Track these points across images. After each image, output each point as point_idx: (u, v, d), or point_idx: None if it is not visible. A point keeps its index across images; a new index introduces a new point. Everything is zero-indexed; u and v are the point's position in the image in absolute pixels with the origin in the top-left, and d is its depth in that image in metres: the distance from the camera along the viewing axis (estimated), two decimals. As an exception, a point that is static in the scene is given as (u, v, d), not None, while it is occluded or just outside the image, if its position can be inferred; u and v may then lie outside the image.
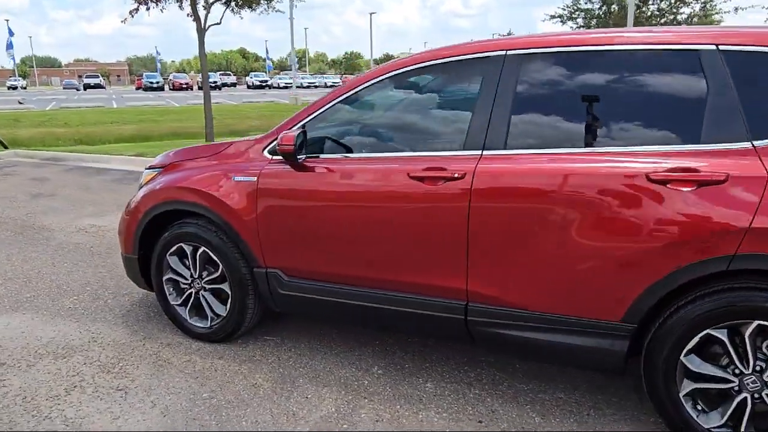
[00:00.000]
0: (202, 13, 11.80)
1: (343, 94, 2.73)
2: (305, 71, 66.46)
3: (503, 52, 2.43)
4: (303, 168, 2.73)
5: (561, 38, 2.38)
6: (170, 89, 50.12)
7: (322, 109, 2.77)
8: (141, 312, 3.68)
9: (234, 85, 56.54)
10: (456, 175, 2.38)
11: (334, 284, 2.77)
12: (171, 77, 54.30)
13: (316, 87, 54.25)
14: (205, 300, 3.18)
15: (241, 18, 13.66)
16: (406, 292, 2.60)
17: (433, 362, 2.98)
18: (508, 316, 2.39)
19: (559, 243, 2.22)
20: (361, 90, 2.70)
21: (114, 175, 8.80)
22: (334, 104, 2.75)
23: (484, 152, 2.39)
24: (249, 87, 54.50)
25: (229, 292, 3.06)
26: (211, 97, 12.57)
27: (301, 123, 2.82)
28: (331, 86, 56.89)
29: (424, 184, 2.45)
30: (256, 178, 2.85)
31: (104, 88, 57.14)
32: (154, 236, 3.27)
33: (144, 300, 3.87)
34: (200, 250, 3.09)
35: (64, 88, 56.49)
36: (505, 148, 2.37)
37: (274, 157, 2.86)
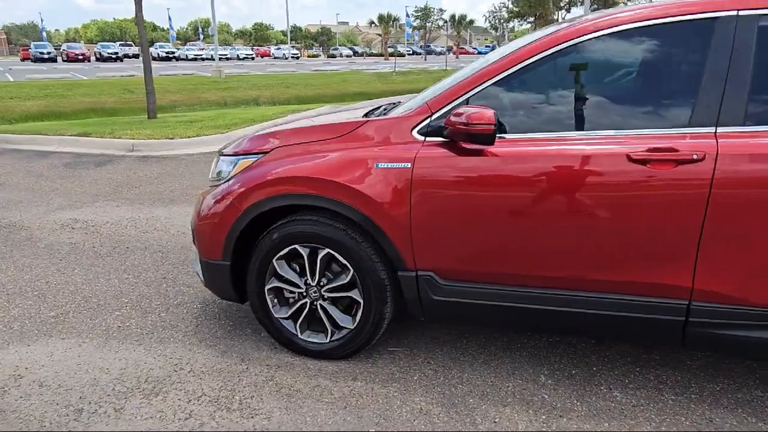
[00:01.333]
0: (140, -27, 10.55)
1: (523, 61, 2.28)
2: (210, 43, 62.79)
3: (734, 12, 2.09)
4: (475, 151, 2.28)
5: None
6: (64, 60, 45.62)
7: (495, 79, 2.31)
8: (214, 326, 3.06)
9: (137, 56, 52.30)
10: (694, 157, 2.04)
11: (507, 287, 2.36)
12: (64, 48, 49.35)
13: (228, 59, 51.57)
14: (324, 311, 2.65)
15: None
16: (606, 292, 2.25)
17: (599, 365, 2.66)
18: (749, 316, 2.11)
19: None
20: (547, 55, 2.26)
21: (62, 159, 7.64)
22: (511, 72, 2.29)
23: (719, 129, 2.06)
24: (154, 59, 50.74)
25: (361, 301, 2.56)
26: (151, 69, 11.35)
27: (466, 96, 2.34)
28: (243, 58, 54.28)
29: (649, 168, 2.09)
30: (410, 164, 2.35)
31: (-17, 59, 50.89)
32: (248, 238, 2.68)
33: (207, 310, 3.24)
34: (323, 253, 2.55)
35: (-67, 59, 49.68)
36: (744, 125, 2.05)
37: (429, 139, 2.37)
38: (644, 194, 2.11)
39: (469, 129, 2.15)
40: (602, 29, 2.23)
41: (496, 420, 2.29)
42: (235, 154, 2.73)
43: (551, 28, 2.41)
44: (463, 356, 2.75)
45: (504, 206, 2.25)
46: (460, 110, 2.21)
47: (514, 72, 2.29)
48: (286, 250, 2.60)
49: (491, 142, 2.16)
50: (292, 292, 2.70)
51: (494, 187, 2.26)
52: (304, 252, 2.58)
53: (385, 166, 2.38)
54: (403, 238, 2.41)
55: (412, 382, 2.55)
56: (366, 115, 2.88)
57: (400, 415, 2.32)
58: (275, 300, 2.73)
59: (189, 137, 8.46)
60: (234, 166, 2.70)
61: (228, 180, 2.69)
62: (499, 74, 2.31)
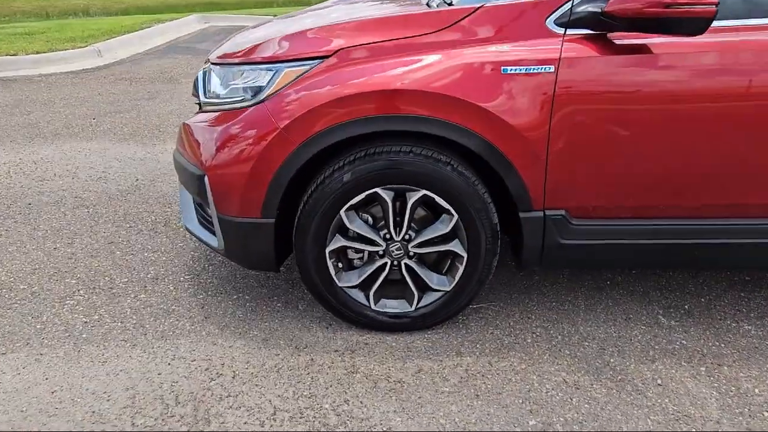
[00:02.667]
0: None
1: None
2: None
3: None
4: (638, 48, 1.70)
5: None
6: None
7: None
8: (227, 304, 2.25)
9: None
10: None
11: (659, 220, 1.91)
12: None
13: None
14: (410, 272, 2.00)
15: None
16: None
17: (704, 296, 2.36)
18: None
19: None
20: None
21: None
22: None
23: None
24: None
25: (465, 254, 1.95)
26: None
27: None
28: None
29: None
30: (553, 67, 1.71)
31: None
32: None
33: (202, 283, 2.39)
34: (416, 197, 1.87)
35: None
36: None
37: (571, 31, 1.74)
38: None
39: (669, 12, 1.55)
40: None
41: (659, 381, 1.89)
42: (273, 61, 1.85)
43: None
44: (561, 305, 2.30)
45: (699, 115, 1.75)
46: None
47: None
48: (361, 197, 1.87)
49: (703, 30, 1.58)
50: (359, 251, 2.00)
51: (684, 93, 1.73)
52: (387, 197, 1.87)
53: (517, 71, 1.72)
54: (536, 169, 1.81)
55: (529, 346, 2.05)
56: (428, 3, 2.14)
57: (550, 396, 1.82)
58: (339, 264, 2.02)
59: (38, 53, 6.67)
60: (272, 79, 1.83)
61: (263, 100, 1.83)
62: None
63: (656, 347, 2.06)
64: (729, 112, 1.74)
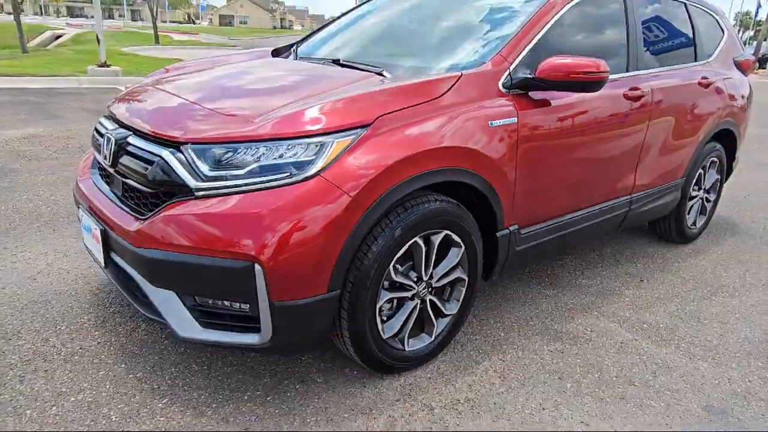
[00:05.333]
0: None
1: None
2: None
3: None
4: (543, 102, 2.43)
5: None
6: None
7: (546, 28, 2.47)
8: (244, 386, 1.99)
9: None
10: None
11: (571, 215, 2.73)
12: None
13: None
14: (431, 306, 2.24)
15: None
16: (608, 200, 2.94)
17: (549, 269, 3.29)
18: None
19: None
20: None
21: None
22: (554, 22, 2.51)
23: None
24: None
25: (466, 277, 2.31)
26: None
27: (528, 47, 2.39)
28: None
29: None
30: (515, 118, 2.26)
31: None
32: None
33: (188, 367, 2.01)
34: (441, 237, 2.14)
35: None
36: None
37: (513, 91, 2.31)
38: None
39: (583, 77, 2.27)
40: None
41: (591, 329, 2.65)
42: (319, 133, 1.83)
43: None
44: (488, 301, 2.85)
45: (568, 149, 2.55)
46: (560, 61, 2.26)
47: (557, 21, 2.53)
48: (405, 248, 2.03)
49: (599, 88, 2.37)
50: (389, 300, 2.14)
51: (582, 130, 2.53)
52: (421, 243, 2.09)
53: (499, 123, 2.21)
54: (509, 194, 2.34)
55: (511, 336, 2.54)
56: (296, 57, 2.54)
57: (569, 365, 2.36)
58: (384, 318, 2.10)
59: None
60: (320, 151, 1.82)
61: (317, 173, 1.80)
62: (547, 23, 2.48)
63: (564, 309, 2.83)
64: (606, 136, 2.66)
